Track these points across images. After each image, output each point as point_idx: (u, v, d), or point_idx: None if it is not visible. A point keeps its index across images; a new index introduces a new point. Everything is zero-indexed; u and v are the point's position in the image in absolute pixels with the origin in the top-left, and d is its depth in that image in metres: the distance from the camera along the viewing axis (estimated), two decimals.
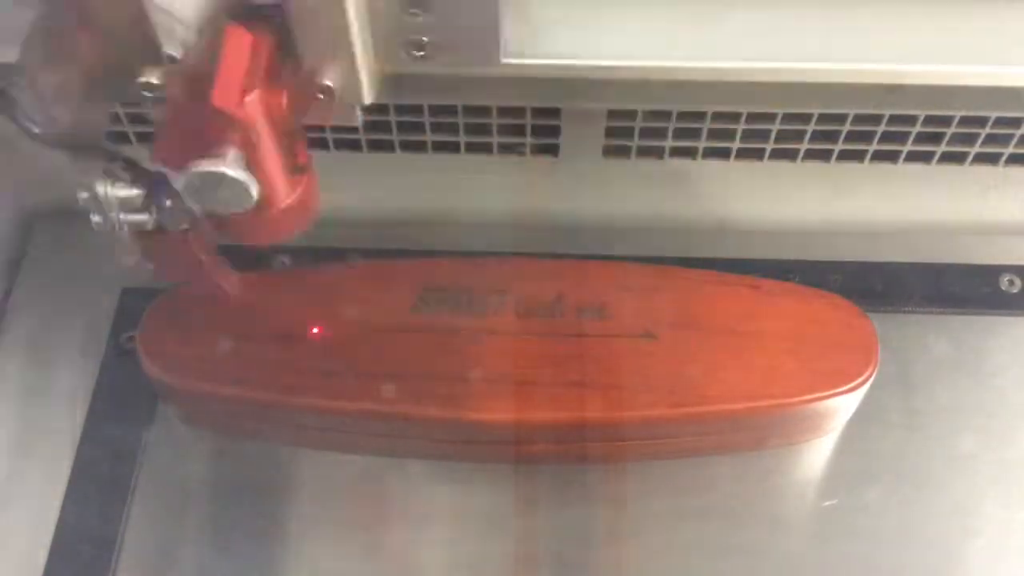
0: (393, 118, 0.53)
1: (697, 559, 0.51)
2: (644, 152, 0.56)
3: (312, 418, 0.51)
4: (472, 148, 0.55)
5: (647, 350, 0.50)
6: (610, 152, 0.56)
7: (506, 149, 0.55)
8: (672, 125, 0.53)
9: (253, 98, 0.35)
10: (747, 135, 0.54)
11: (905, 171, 0.56)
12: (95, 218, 0.40)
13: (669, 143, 0.55)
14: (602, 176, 0.57)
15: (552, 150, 0.55)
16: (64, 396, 0.54)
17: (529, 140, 0.55)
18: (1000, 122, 0.53)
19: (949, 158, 0.55)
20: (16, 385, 0.55)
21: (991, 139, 0.54)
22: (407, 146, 0.55)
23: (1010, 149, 0.54)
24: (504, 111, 0.53)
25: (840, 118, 0.52)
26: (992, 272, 0.58)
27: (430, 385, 0.49)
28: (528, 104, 0.52)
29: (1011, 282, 0.58)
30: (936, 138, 0.54)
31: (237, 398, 0.50)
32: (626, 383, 0.49)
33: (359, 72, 0.37)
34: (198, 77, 0.34)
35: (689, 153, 0.55)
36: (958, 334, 0.56)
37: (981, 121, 0.53)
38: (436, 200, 0.60)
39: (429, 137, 0.55)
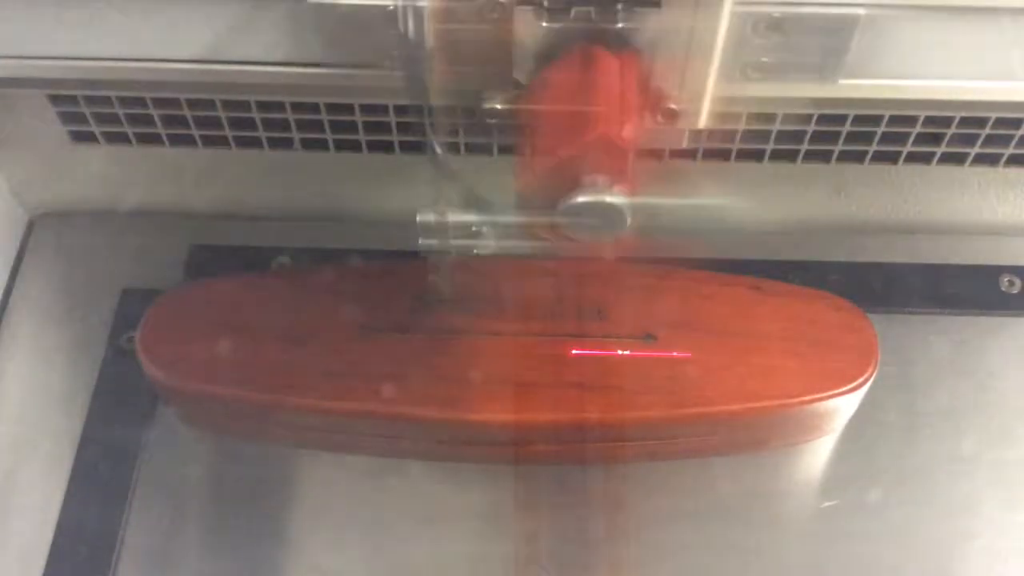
0: (393, 118, 0.53)
1: (697, 559, 0.51)
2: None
3: (312, 419, 0.51)
4: (472, 148, 0.55)
5: (647, 351, 0.50)
6: None
7: (506, 149, 0.55)
8: None
9: (631, 125, 0.33)
10: (747, 136, 0.54)
11: (905, 171, 0.56)
12: (426, 241, 0.39)
13: None
14: None
15: None
16: (64, 396, 0.54)
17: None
18: (1000, 123, 0.53)
19: (949, 158, 0.55)
20: (16, 385, 0.55)
21: (991, 139, 0.54)
22: (407, 146, 0.55)
23: (1010, 150, 0.54)
24: (503, 111, 0.52)
25: (840, 118, 0.52)
26: (992, 272, 0.58)
27: (430, 386, 0.49)
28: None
29: (1011, 282, 0.58)
30: (936, 138, 0.54)
31: (237, 398, 0.50)
32: (626, 384, 0.49)
33: (706, 96, 0.36)
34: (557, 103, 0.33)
35: (689, 154, 0.55)
36: (958, 334, 0.56)
37: (981, 122, 0.53)
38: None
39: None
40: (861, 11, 0.37)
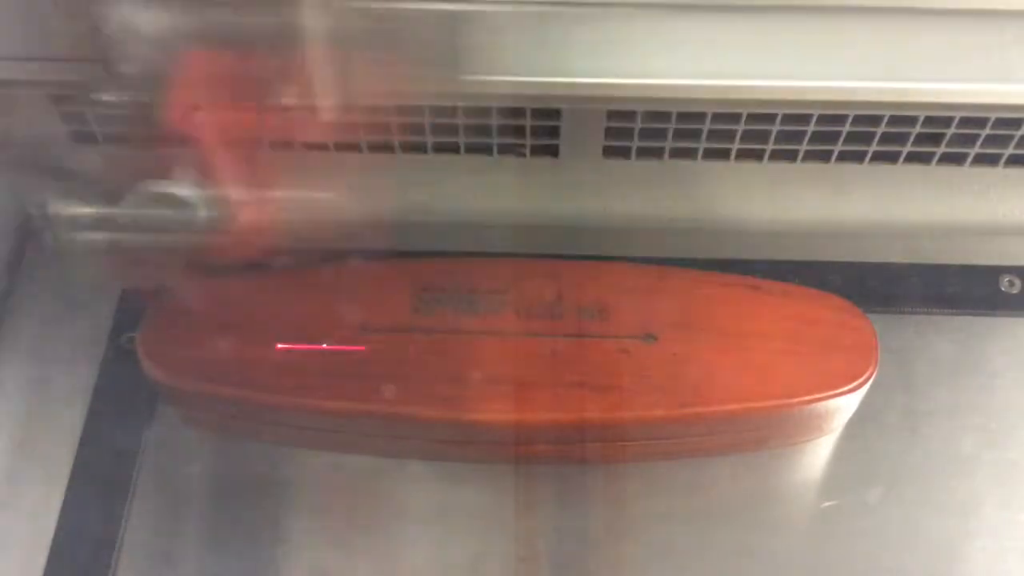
0: (393, 119, 0.53)
1: (697, 559, 0.51)
2: (644, 152, 0.56)
3: (312, 419, 0.51)
4: (472, 148, 0.55)
5: (647, 351, 0.50)
6: (610, 152, 0.56)
7: (506, 149, 0.55)
8: (672, 126, 0.53)
9: (202, 114, 0.34)
10: (747, 135, 0.54)
11: (905, 171, 0.56)
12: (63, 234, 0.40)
13: (669, 143, 0.55)
14: (602, 176, 0.57)
15: (552, 150, 0.55)
16: (64, 396, 0.54)
17: (529, 140, 0.55)
18: (1000, 122, 0.53)
19: (949, 158, 0.55)
20: (16, 385, 0.55)
21: (991, 139, 0.54)
22: (407, 147, 0.55)
23: (1010, 150, 0.54)
24: (504, 111, 0.53)
25: (840, 118, 0.52)
26: (992, 272, 0.58)
27: (430, 386, 0.49)
28: (528, 105, 0.52)
29: (1011, 283, 0.58)
30: (936, 138, 0.54)
31: (237, 399, 0.50)
32: (626, 384, 0.49)
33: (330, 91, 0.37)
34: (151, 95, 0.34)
35: (689, 154, 0.55)
36: (958, 334, 0.56)
37: (981, 122, 0.53)
38: (436, 200, 0.60)
39: (429, 138, 0.55)
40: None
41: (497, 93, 0.46)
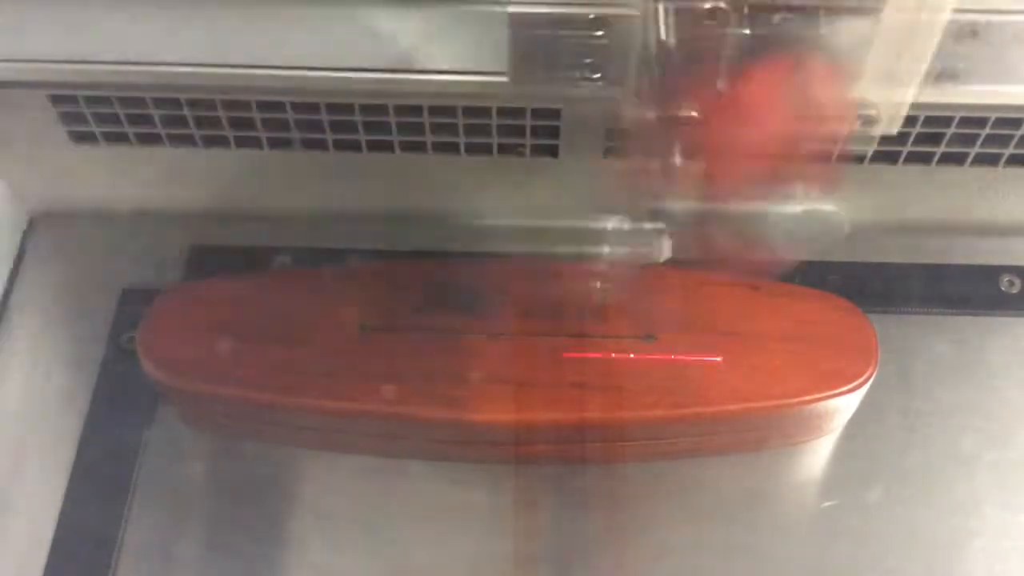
0: (393, 119, 0.53)
1: (697, 559, 0.51)
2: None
3: (312, 419, 0.51)
4: (472, 148, 0.55)
5: (647, 351, 0.50)
6: (610, 152, 0.56)
7: (506, 149, 0.55)
8: None
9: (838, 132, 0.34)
10: None
11: (905, 171, 0.56)
12: (605, 248, 0.39)
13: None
14: (602, 176, 0.57)
15: (552, 150, 0.55)
16: (64, 396, 0.54)
17: (529, 140, 0.55)
18: (1000, 122, 0.53)
19: (949, 158, 0.55)
20: (16, 385, 0.55)
21: (991, 139, 0.54)
22: (407, 146, 0.55)
23: (1010, 149, 0.54)
24: (504, 111, 0.53)
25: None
26: (992, 272, 0.58)
27: (430, 386, 0.49)
28: (528, 105, 0.52)
29: (1011, 282, 0.58)
30: (936, 138, 0.54)
31: (237, 398, 0.50)
32: (626, 384, 0.49)
33: (907, 102, 0.36)
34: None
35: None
36: (958, 334, 0.56)
37: (981, 121, 0.53)
38: (436, 200, 0.60)
39: (429, 138, 0.54)
40: None
41: None
